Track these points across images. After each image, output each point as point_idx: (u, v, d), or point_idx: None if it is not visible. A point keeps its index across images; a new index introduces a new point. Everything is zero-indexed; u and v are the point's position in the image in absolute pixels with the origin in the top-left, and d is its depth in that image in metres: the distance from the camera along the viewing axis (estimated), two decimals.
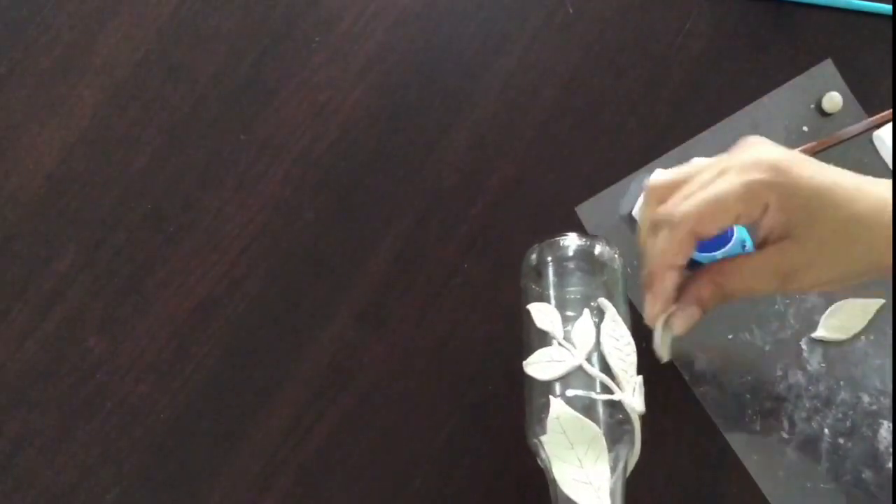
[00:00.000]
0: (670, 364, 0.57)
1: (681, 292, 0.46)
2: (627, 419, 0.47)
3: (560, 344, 0.48)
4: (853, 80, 0.61)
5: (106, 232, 0.58)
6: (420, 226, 0.59)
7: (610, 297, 0.50)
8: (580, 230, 0.59)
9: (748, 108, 0.61)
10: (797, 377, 0.57)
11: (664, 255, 0.44)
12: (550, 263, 0.51)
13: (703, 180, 0.44)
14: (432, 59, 0.61)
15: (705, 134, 0.60)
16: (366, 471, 0.56)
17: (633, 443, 0.47)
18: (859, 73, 0.61)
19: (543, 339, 0.49)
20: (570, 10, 0.62)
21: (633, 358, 0.49)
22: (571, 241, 0.51)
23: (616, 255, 0.52)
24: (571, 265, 0.51)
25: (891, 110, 0.60)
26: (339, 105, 0.61)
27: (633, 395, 0.47)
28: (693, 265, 0.57)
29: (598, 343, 0.48)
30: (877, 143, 0.60)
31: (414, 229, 0.59)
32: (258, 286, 0.58)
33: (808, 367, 0.57)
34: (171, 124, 0.60)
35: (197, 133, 0.60)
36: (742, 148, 0.45)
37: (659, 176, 0.47)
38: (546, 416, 0.47)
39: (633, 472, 0.48)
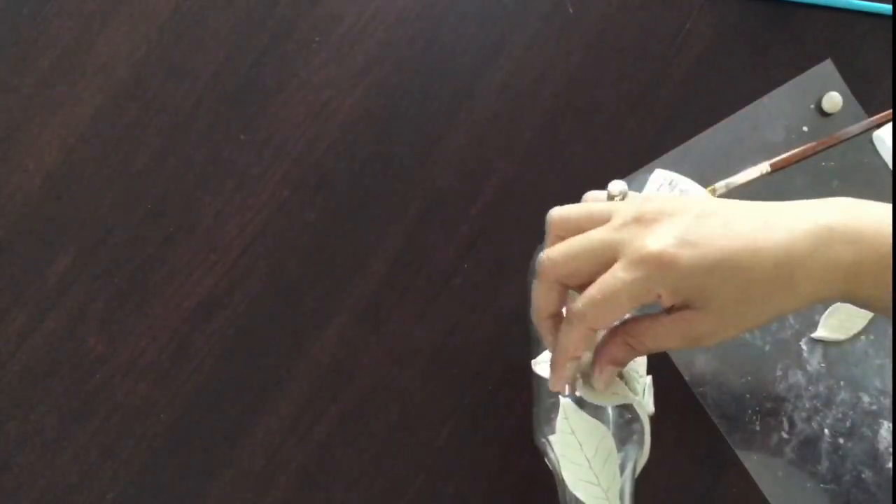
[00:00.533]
0: (670, 364, 0.57)
1: (596, 358, 0.45)
2: (637, 420, 0.47)
3: None
4: (853, 80, 0.61)
5: (106, 232, 0.58)
6: (420, 226, 0.59)
7: None
8: None
9: (748, 108, 0.61)
10: (797, 377, 0.57)
11: (565, 350, 0.44)
12: None
13: (590, 240, 0.43)
14: (432, 59, 0.61)
15: (705, 134, 0.60)
16: (366, 471, 0.56)
17: (642, 443, 0.47)
18: (859, 73, 0.61)
19: None
20: (570, 10, 0.62)
21: (643, 358, 0.49)
22: None
23: None
24: None
25: (891, 110, 0.60)
26: (339, 105, 0.61)
27: (643, 396, 0.47)
28: None
29: None
30: (877, 143, 0.60)
31: (414, 229, 0.59)
32: (258, 286, 0.58)
33: (808, 367, 0.57)
34: (171, 124, 0.60)
35: (197, 133, 0.60)
36: (634, 213, 0.43)
37: (556, 212, 0.46)
38: (555, 417, 0.47)
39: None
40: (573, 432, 0.46)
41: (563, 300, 0.45)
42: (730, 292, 0.41)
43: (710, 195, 0.58)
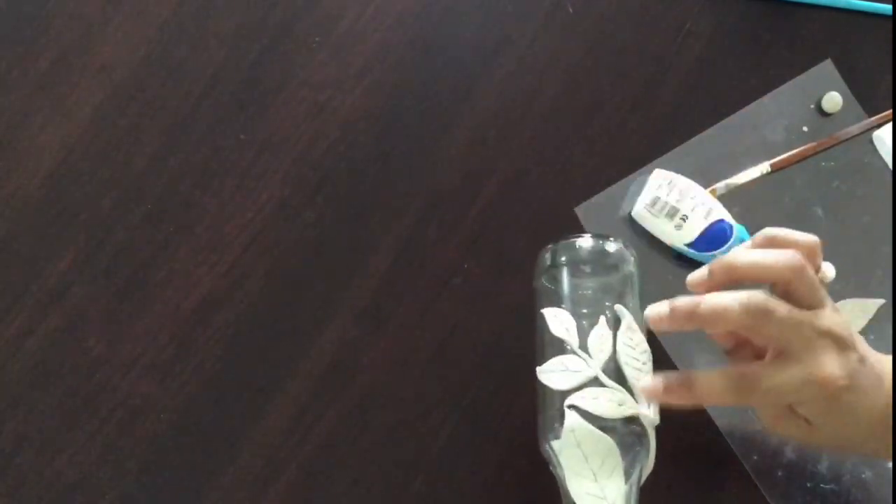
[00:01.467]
0: (672, 365, 0.57)
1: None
2: (643, 431, 0.47)
3: (575, 353, 0.48)
4: (853, 80, 0.61)
5: (106, 232, 0.58)
6: (420, 226, 0.59)
7: (625, 300, 0.49)
8: (580, 230, 0.59)
9: (748, 108, 0.61)
10: None
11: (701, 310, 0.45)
12: (565, 265, 0.50)
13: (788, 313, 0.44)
14: (433, 58, 0.61)
15: (705, 134, 0.60)
16: (366, 471, 0.56)
17: (647, 454, 0.47)
18: (859, 73, 0.61)
19: (558, 346, 0.48)
20: (571, 10, 0.62)
21: (649, 366, 0.48)
22: (586, 242, 0.51)
23: (632, 257, 0.51)
24: (587, 268, 0.50)
25: (891, 110, 0.60)
26: (339, 105, 0.61)
27: (648, 407, 0.47)
28: (684, 259, 0.57)
29: (614, 352, 0.47)
30: (877, 143, 0.60)
31: (414, 229, 0.59)
32: (258, 286, 0.58)
33: None
34: (171, 124, 0.60)
35: (197, 133, 0.60)
36: (837, 341, 0.45)
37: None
38: (560, 426, 0.47)
39: None
40: (578, 444, 0.46)
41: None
42: (843, 436, 0.46)
43: (710, 196, 0.58)
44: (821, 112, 0.61)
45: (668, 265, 0.58)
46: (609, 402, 0.46)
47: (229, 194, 0.59)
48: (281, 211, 0.59)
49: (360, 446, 0.56)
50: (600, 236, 0.51)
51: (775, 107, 0.61)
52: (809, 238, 0.46)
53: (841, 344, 0.44)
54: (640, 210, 0.58)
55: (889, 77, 0.61)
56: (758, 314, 0.43)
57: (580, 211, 0.59)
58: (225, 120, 0.60)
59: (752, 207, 0.59)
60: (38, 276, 0.58)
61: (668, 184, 0.57)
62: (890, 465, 0.56)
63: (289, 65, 0.61)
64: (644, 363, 0.48)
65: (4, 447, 0.55)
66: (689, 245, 0.57)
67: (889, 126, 0.60)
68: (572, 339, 0.48)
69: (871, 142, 0.60)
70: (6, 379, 0.56)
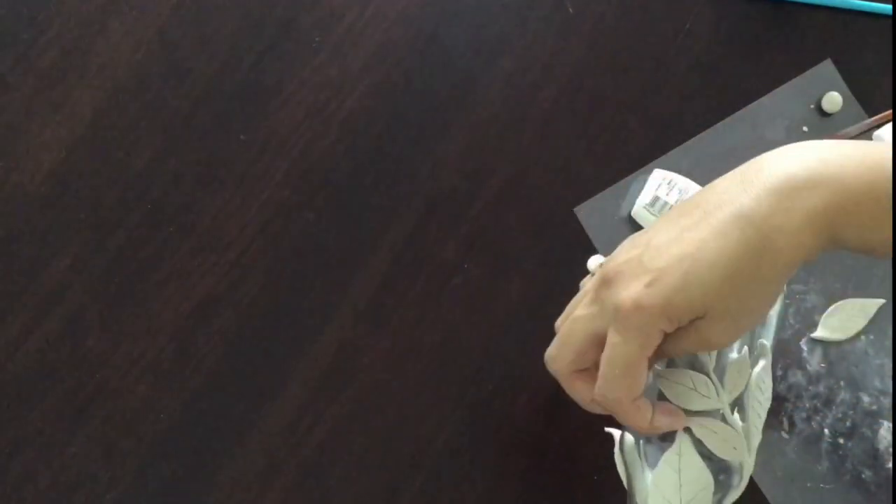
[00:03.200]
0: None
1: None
2: (739, 477, 0.45)
3: (709, 378, 0.44)
4: (853, 80, 0.61)
5: (106, 232, 0.58)
6: (420, 226, 0.59)
7: (767, 336, 0.47)
8: (580, 230, 0.59)
9: (748, 108, 0.61)
10: (797, 377, 0.57)
11: (639, 426, 0.43)
12: None
13: (573, 322, 0.43)
14: (432, 59, 0.61)
15: (705, 134, 0.60)
16: (366, 471, 0.56)
17: (732, 500, 0.45)
18: (859, 73, 0.61)
19: (691, 358, 0.45)
20: (570, 10, 0.62)
21: (765, 415, 0.46)
22: None
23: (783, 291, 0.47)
24: None
25: (891, 110, 0.60)
26: (339, 105, 0.61)
27: (752, 457, 0.45)
28: None
29: (746, 391, 0.45)
30: (876, 143, 0.60)
31: (414, 229, 0.59)
32: (258, 286, 0.58)
33: (808, 367, 0.57)
34: (171, 124, 0.60)
35: (197, 133, 0.60)
36: (598, 280, 0.43)
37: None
38: (660, 440, 0.45)
39: None
40: (679, 470, 0.44)
41: (590, 380, 0.44)
42: (718, 291, 0.38)
43: None
44: (821, 112, 0.61)
45: None
46: (725, 441, 0.44)
47: (229, 194, 0.59)
48: (281, 211, 0.59)
49: (360, 446, 0.56)
50: None
51: (775, 107, 0.61)
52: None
53: (608, 281, 0.41)
54: (640, 210, 0.58)
55: (889, 77, 0.61)
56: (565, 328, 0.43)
57: (580, 211, 0.59)
58: (225, 120, 0.60)
59: None
60: (38, 276, 0.58)
61: (668, 183, 0.57)
62: (890, 465, 0.56)
63: (289, 65, 0.61)
64: (764, 410, 0.46)
65: (4, 447, 0.55)
66: None
67: (889, 126, 0.60)
68: (709, 360, 0.44)
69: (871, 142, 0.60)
70: (6, 379, 0.56)
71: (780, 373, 0.57)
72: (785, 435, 0.56)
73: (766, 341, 0.47)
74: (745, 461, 0.45)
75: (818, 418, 0.56)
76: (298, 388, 0.56)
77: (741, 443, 0.44)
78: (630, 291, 0.40)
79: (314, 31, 0.61)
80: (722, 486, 0.45)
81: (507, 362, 0.57)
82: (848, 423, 0.56)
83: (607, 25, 0.62)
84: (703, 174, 0.59)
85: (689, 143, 0.60)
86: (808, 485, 0.55)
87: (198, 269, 0.58)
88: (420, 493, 0.55)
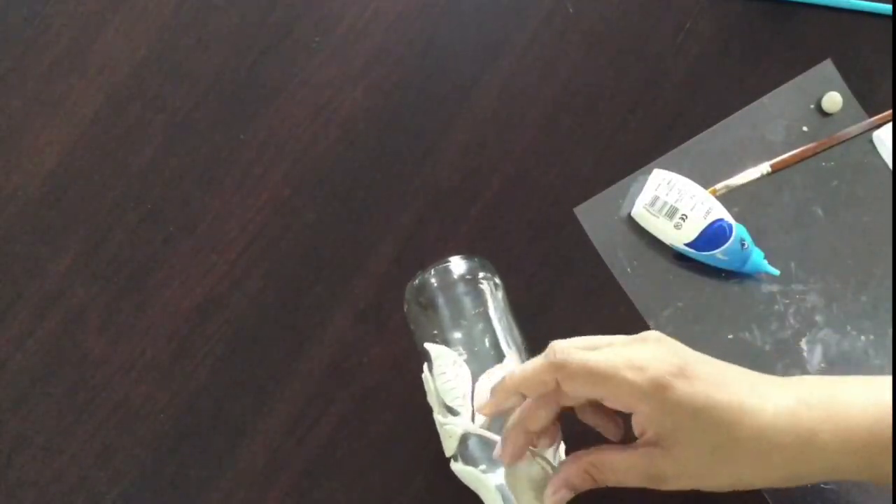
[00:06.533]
0: None
1: (554, 478, 0.45)
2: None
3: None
4: (853, 80, 0.61)
5: (106, 232, 0.58)
6: (420, 226, 0.59)
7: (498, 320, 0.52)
8: (580, 230, 0.59)
9: (748, 108, 0.61)
10: None
11: (527, 418, 0.44)
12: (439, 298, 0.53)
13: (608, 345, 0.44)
14: (432, 58, 0.61)
15: (705, 134, 0.60)
16: (366, 470, 0.56)
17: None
18: (859, 73, 0.61)
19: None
20: (570, 10, 0.62)
21: (465, 386, 0.50)
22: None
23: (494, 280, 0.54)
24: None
25: (891, 110, 0.60)
26: (339, 105, 0.61)
27: (473, 421, 0.49)
28: (683, 259, 0.58)
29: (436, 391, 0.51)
30: (877, 143, 0.60)
31: (414, 229, 0.59)
32: (258, 286, 0.58)
33: (808, 367, 0.57)
34: (171, 124, 0.60)
35: (197, 133, 0.60)
36: (639, 342, 0.44)
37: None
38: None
39: None
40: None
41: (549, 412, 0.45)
42: (705, 441, 0.41)
43: (710, 195, 0.58)
44: (821, 112, 0.61)
45: (667, 265, 0.58)
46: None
47: (229, 194, 0.59)
48: (281, 211, 0.59)
49: (360, 446, 0.56)
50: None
51: (775, 107, 0.61)
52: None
53: (642, 340, 0.44)
54: (640, 210, 0.58)
55: (889, 77, 0.61)
56: (555, 364, 0.43)
57: (580, 211, 0.59)
58: (225, 120, 0.60)
59: (752, 207, 0.59)
60: (38, 276, 0.58)
61: (668, 183, 0.57)
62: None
63: (289, 65, 0.61)
64: (454, 387, 0.50)
65: (4, 447, 0.55)
66: (689, 244, 0.57)
67: (889, 126, 0.60)
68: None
69: (871, 142, 0.60)
70: (6, 379, 0.56)
71: (780, 373, 0.57)
72: None
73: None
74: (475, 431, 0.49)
75: None
76: (299, 388, 0.56)
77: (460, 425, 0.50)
78: (665, 367, 0.41)
79: (314, 31, 0.61)
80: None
81: None
82: None
83: (607, 25, 0.62)
84: (703, 174, 0.59)
85: (689, 143, 0.60)
86: (808, 485, 0.55)
87: (198, 269, 0.58)
88: (420, 493, 0.55)
